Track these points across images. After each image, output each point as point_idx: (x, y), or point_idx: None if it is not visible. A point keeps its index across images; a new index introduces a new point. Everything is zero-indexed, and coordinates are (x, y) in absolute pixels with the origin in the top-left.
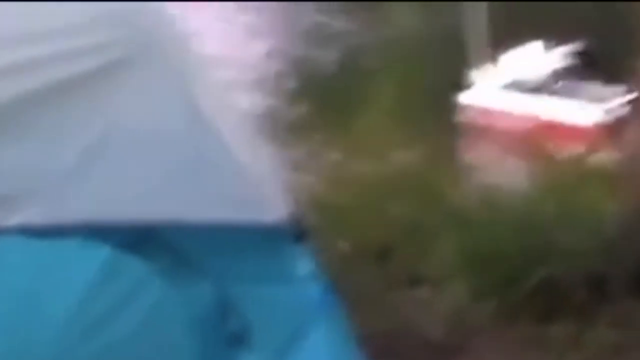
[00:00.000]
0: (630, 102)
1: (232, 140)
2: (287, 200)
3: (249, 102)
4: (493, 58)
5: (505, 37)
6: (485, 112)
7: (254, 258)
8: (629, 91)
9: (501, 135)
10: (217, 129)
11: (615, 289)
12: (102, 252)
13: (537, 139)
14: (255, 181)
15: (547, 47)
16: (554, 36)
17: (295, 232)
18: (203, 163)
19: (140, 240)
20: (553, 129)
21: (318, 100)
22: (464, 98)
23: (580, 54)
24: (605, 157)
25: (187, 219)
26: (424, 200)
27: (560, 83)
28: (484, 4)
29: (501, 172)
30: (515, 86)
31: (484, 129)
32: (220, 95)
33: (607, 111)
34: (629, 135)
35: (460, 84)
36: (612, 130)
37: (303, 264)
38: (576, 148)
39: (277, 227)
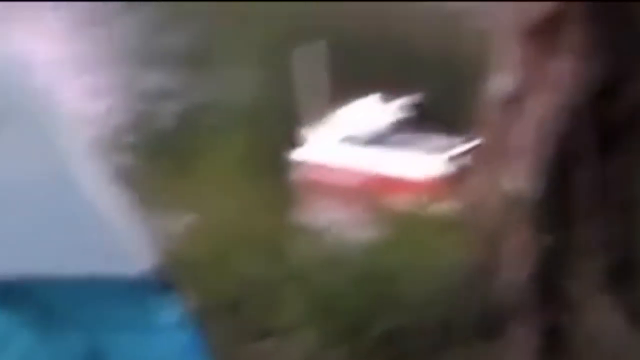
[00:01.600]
0: (469, 151)
1: (95, 193)
2: (150, 251)
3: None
4: (330, 112)
5: (342, 91)
6: (323, 167)
7: (121, 308)
8: (467, 141)
9: (339, 189)
10: (81, 183)
11: (462, 333)
12: None
13: (376, 191)
14: (120, 234)
15: (384, 100)
16: (390, 89)
17: (160, 282)
18: (68, 217)
19: (7, 293)
20: (393, 182)
21: (156, 157)
22: (301, 154)
23: (417, 106)
24: (447, 207)
25: (54, 272)
26: (268, 256)
27: (397, 135)
28: (321, 57)
29: (341, 226)
30: (352, 140)
31: (322, 184)
32: (80, 150)
33: (447, 162)
34: (470, 185)
35: (296, 140)
36: (453, 180)
37: (169, 313)
38: (417, 199)
39: (142, 278)
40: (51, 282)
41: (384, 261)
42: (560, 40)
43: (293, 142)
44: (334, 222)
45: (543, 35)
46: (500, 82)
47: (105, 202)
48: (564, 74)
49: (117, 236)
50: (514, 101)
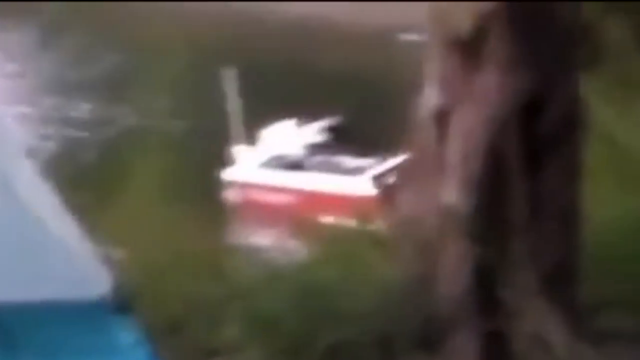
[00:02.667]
0: (391, 170)
1: (51, 220)
2: (108, 274)
3: None
4: (252, 135)
5: (261, 115)
6: (252, 187)
7: (81, 331)
8: (387, 160)
9: (270, 208)
10: (37, 211)
11: (403, 344)
12: None
13: (306, 210)
14: (77, 258)
15: (301, 124)
16: (307, 112)
17: (118, 304)
18: (27, 244)
19: None
20: (322, 201)
21: (87, 183)
22: (229, 175)
23: (333, 129)
24: (379, 224)
25: (14, 298)
26: (207, 276)
27: (318, 157)
28: (235, 83)
29: (276, 244)
30: (275, 162)
31: (252, 204)
32: (34, 177)
33: (371, 181)
34: (402, 201)
35: (224, 162)
36: (382, 198)
37: (127, 333)
38: (348, 217)
39: (100, 301)
40: (12, 307)
41: (321, 278)
42: (485, 54)
43: (222, 163)
44: (269, 240)
45: (469, 49)
46: (428, 97)
47: (61, 228)
48: (491, 88)
49: (74, 261)
50: (442, 115)
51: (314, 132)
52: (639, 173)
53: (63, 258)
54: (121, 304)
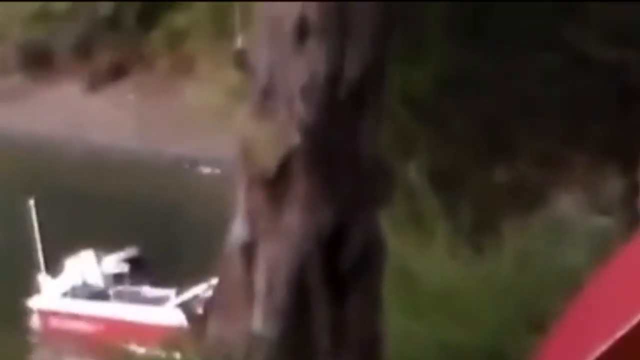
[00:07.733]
0: (193, 299)
1: None
2: None
3: None
4: (55, 265)
5: (65, 245)
6: (55, 316)
7: None
8: (184, 290)
9: (72, 338)
10: None
11: None
12: None
13: (109, 341)
14: None
15: (101, 254)
16: (107, 243)
17: None
18: None
19: None
20: (123, 331)
21: None
22: (33, 304)
23: (132, 259)
24: (183, 352)
25: None
26: None
27: (119, 287)
28: (37, 213)
29: None
30: (77, 292)
31: (56, 333)
32: None
33: (172, 310)
34: (211, 329)
35: (28, 290)
36: (183, 327)
37: None
38: (150, 348)
39: None
40: None
41: None
42: (289, 191)
43: (26, 292)
44: None
45: (273, 186)
46: (236, 230)
47: None
48: (294, 223)
49: None
50: (249, 247)
51: (113, 262)
52: (423, 302)
53: None
54: None
